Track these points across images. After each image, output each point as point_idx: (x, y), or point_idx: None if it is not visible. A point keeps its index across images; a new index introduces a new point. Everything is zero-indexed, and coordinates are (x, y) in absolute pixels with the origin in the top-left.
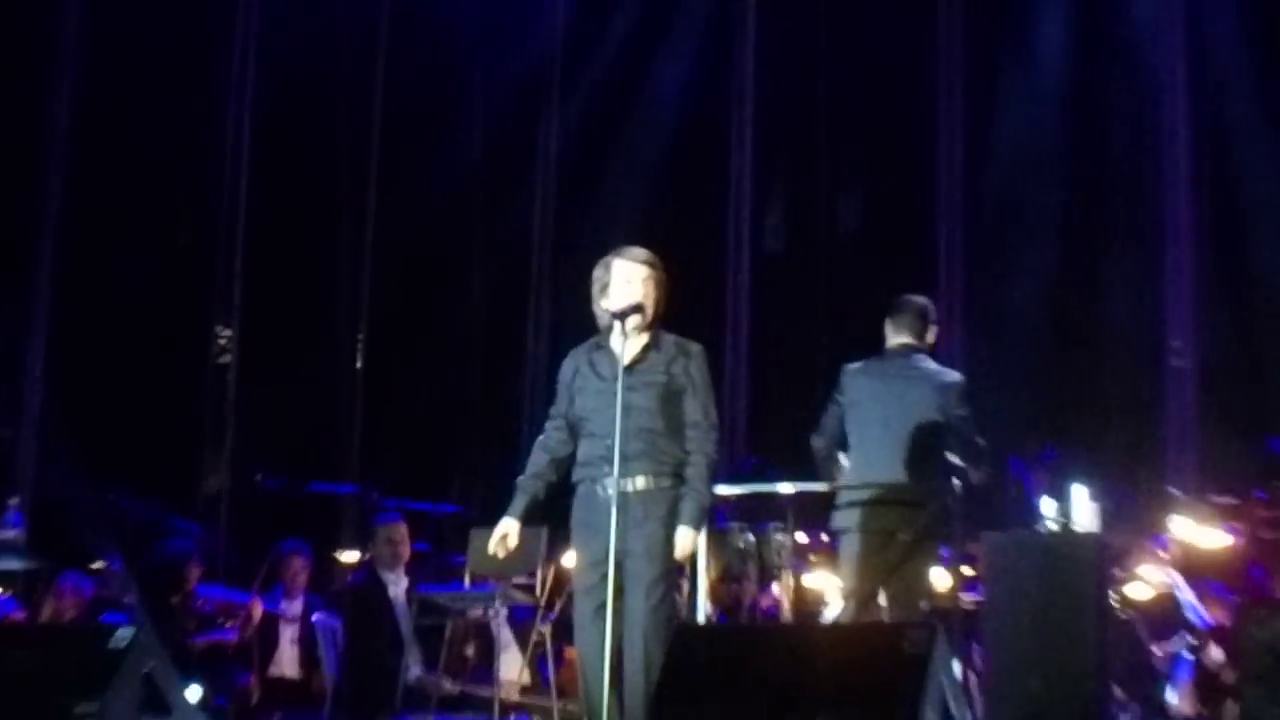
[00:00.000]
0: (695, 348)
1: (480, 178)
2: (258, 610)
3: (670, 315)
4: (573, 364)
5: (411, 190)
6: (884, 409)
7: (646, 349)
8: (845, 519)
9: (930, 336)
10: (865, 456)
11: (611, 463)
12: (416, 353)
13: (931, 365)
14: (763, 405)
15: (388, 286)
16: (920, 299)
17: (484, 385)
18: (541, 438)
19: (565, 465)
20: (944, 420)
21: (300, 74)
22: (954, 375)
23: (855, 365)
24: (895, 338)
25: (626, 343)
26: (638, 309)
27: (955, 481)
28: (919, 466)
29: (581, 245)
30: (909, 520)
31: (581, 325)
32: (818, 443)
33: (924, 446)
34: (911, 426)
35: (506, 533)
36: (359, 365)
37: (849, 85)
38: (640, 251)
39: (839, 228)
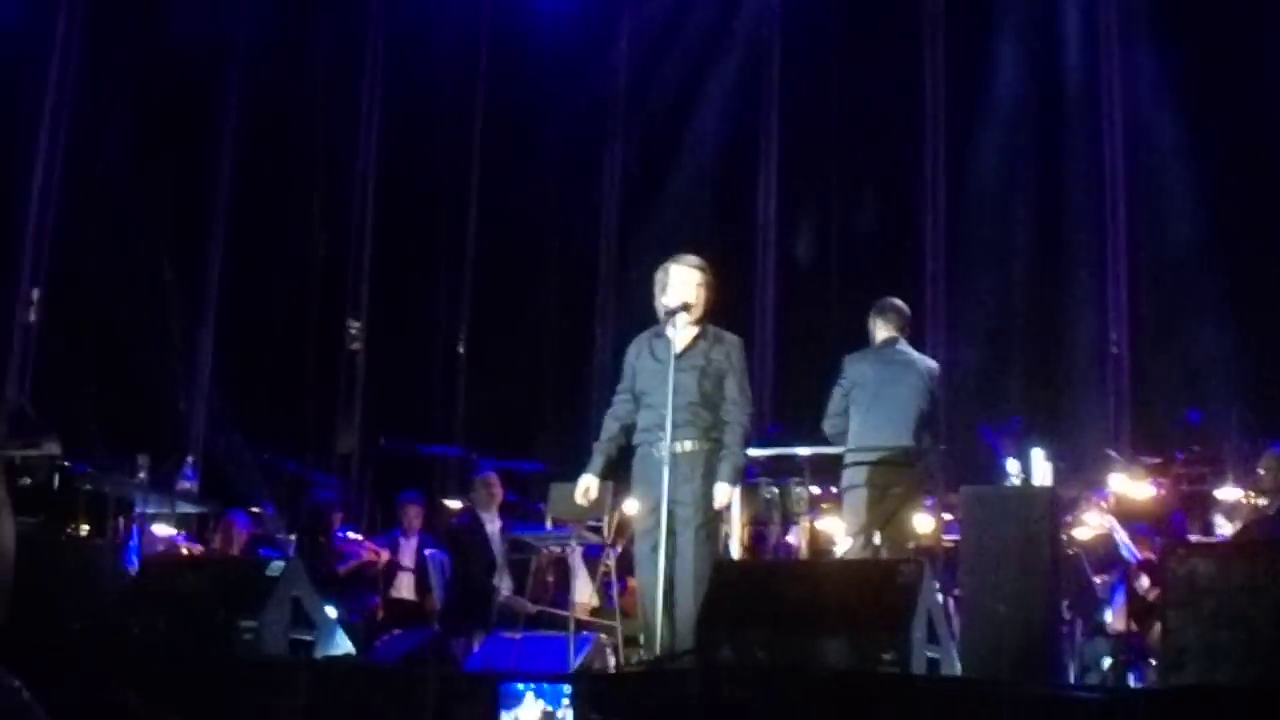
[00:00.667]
0: (734, 338)
1: (557, 194)
2: (384, 553)
3: (716, 311)
4: (636, 348)
5: (503, 206)
6: (880, 388)
7: (695, 339)
8: (850, 476)
9: (909, 330)
10: (865, 426)
11: (665, 429)
12: (507, 340)
13: (914, 352)
14: (786, 384)
15: (484, 287)
16: (897, 301)
17: (561, 366)
18: (612, 408)
19: (629, 431)
20: (927, 395)
21: (416, 114)
22: (932, 361)
23: (855, 355)
24: (883, 331)
25: (679, 333)
26: (687, 306)
27: (935, 446)
28: (908, 433)
29: (642, 252)
30: (901, 477)
31: (641, 318)
32: (827, 425)
33: (912, 417)
34: (902, 401)
35: (588, 486)
36: (461, 350)
37: (855, 125)
38: (693, 258)
39: (848, 239)
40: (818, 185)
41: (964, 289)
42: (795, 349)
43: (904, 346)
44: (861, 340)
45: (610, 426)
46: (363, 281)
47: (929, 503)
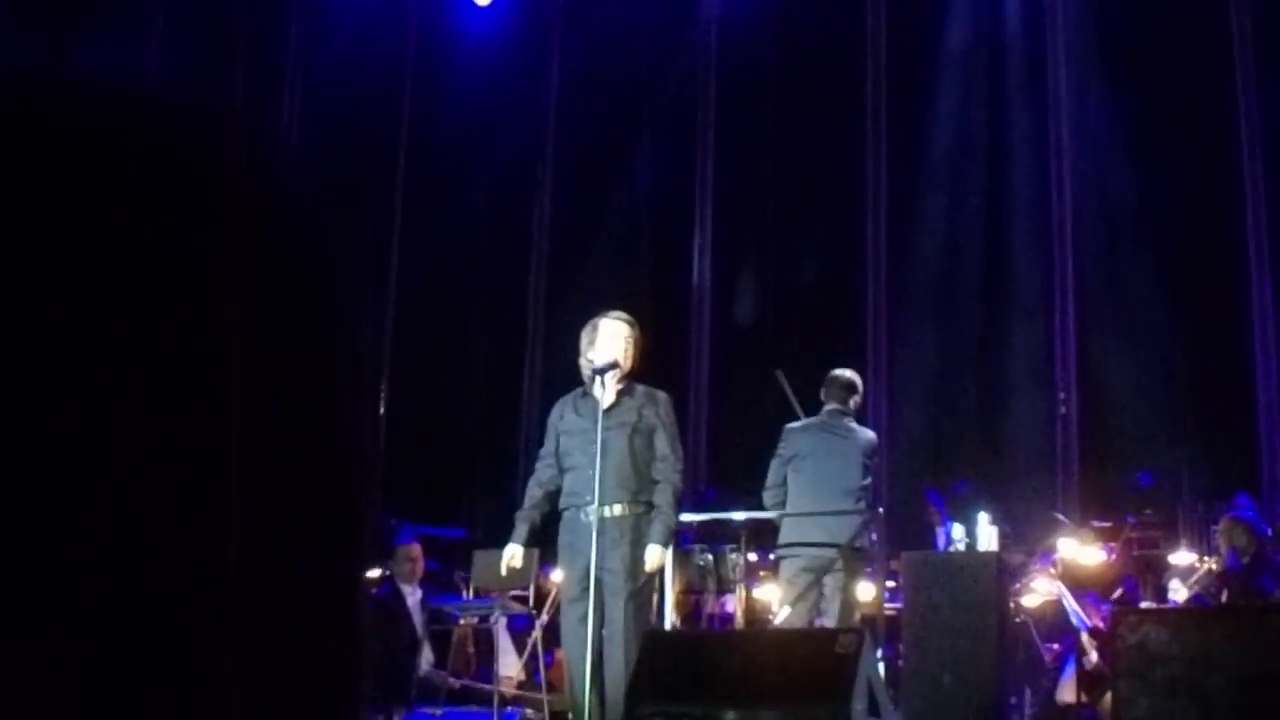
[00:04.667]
0: (662, 395)
1: (483, 245)
2: None
3: (643, 368)
4: (559, 410)
5: (426, 257)
6: (818, 460)
7: (622, 395)
8: (789, 551)
9: (854, 402)
10: (803, 493)
11: (592, 492)
12: (429, 402)
13: (855, 424)
14: (720, 445)
15: (405, 341)
16: (847, 374)
17: (486, 429)
18: (535, 474)
19: (554, 497)
20: (863, 468)
21: (333, 159)
22: (870, 433)
23: (796, 425)
24: (827, 404)
25: (605, 391)
26: (616, 364)
27: (874, 510)
28: (845, 501)
29: (569, 310)
30: (839, 547)
31: (569, 379)
32: (767, 496)
33: (848, 487)
34: (839, 471)
35: (513, 554)
36: (381, 412)
37: (793, 176)
38: (622, 314)
39: (787, 295)
40: (755, 238)
41: (907, 347)
42: (731, 410)
43: (847, 420)
44: (803, 401)
45: (533, 493)
46: None
47: (868, 569)
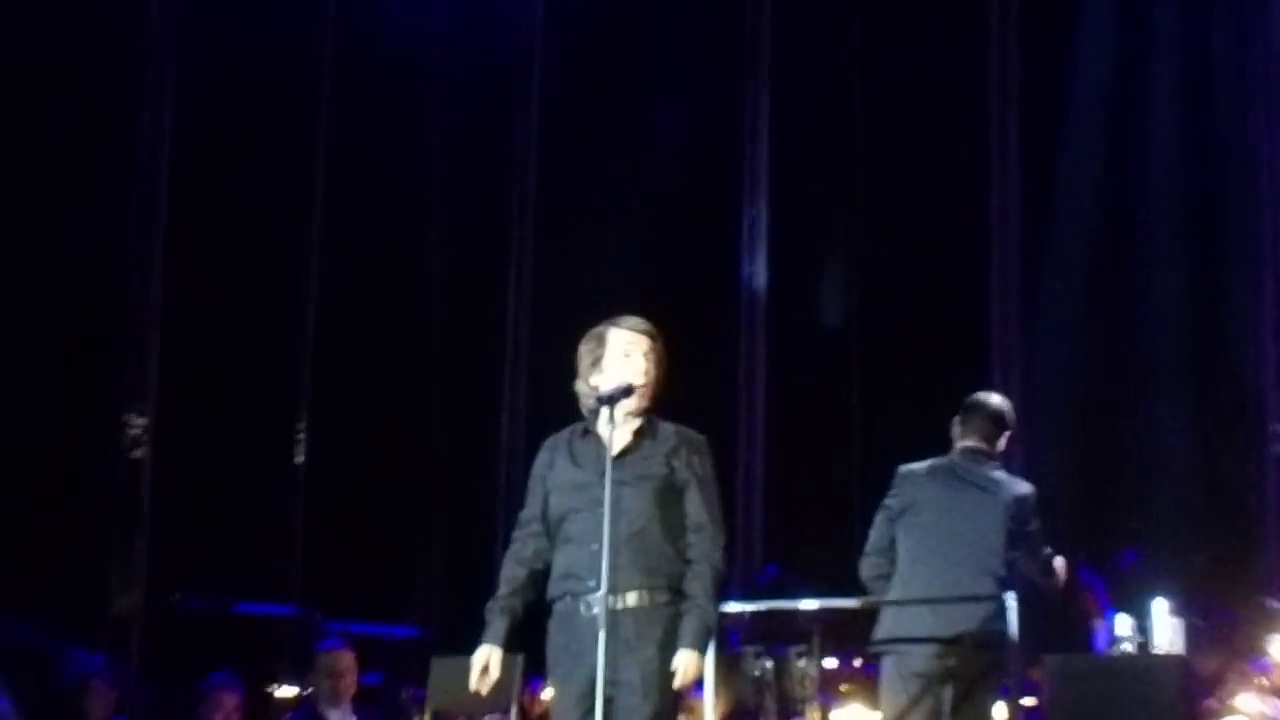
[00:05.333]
0: (696, 437)
1: (438, 232)
2: None
3: (670, 398)
4: (550, 454)
5: (357, 251)
6: (946, 518)
7: (640, 436)
8: (894, 649)
9: (1002, 443)
10: (917, 570)
11: (598, 574)
12: (365, 448)
13: (1001, 474)
14: (782, 505)
15: (331, 367)
16: (997, 400)
17: (449, 483)
18: (514, 547)
19: (543, 578)
20: (1012, 535)
21: (226, 140)
22: (1025, 486)
23: (916, 466)
24: (964, 440)
25: (616, 429)
26: (631, 390)
27: (1016, 604)
28: (979, 581)
29: (562, 315)
30: (965, 647)
31: (562, 413)
32: (865, 565)
33: (985, 560)
34: (975, 540)
35: (487, 662)
36: (299, 460)
37: (885, 119)
38: (640, 321)
39: (874, 299)
40: (832, 211)
41: (1046, 363)
42: (797, 457)
43: (991, 465)
44: (893, 444)
45: (513, 574)
46: (149, 357)
47: (1006, 680)
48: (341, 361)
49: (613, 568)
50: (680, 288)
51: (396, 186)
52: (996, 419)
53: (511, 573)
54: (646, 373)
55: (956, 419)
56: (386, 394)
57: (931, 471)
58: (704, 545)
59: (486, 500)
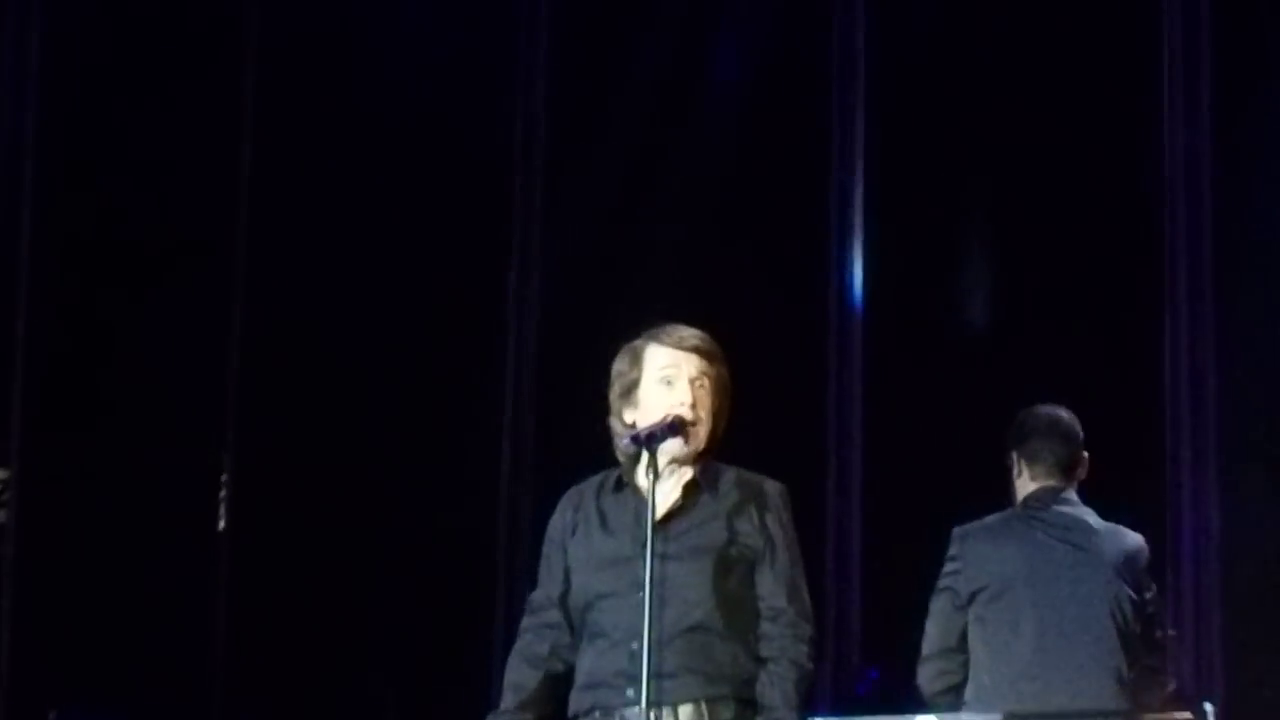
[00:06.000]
0: (773, 488)
1: (412, 226)
2: None
3: (730, 441)
4: (570, 515)
5: (291, 205)
6: (1041, 596)
7: (694, 491)
8: None
9: (1082, 472)
10: (1010, 667)
11: (638, 683)
12: (312, 500)
13: (1096, 519)
14: (888, 583)
15: (267, 397)
16: (1066, 414)
17: (426, 550)
18: (521, 642)
19: (565, 685)
20: (1130, 601)
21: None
22: (1134, 537)
23: (976, 527)
24: (1037, 480)
25: (661, 481)
26: (683, 426)
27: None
28: (1104, 694)
29: (582, 327)
30: None
31: (584, 462)
32: (927, 672)
33: (1107, 662)
34: (1086, 626)
35: None
36: (221, 525)
37: (1023, 41)
38: (690, 333)
39: (1010, 299)
40: (947, 182)
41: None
42: (907, 519)
43: (1081, 508)
44: None
45: (522, 679)
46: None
47: None
48: (278, 384)
49: (657, 674)
50: (746, 287)
51: (348, 132)
52: (1073, 439)
53: (519, 678)
54: (701, 403)
55: (1014, 454)
56: (348, 428)
57: (1005, 529)
58: (784, 638)
59: (480, 575)
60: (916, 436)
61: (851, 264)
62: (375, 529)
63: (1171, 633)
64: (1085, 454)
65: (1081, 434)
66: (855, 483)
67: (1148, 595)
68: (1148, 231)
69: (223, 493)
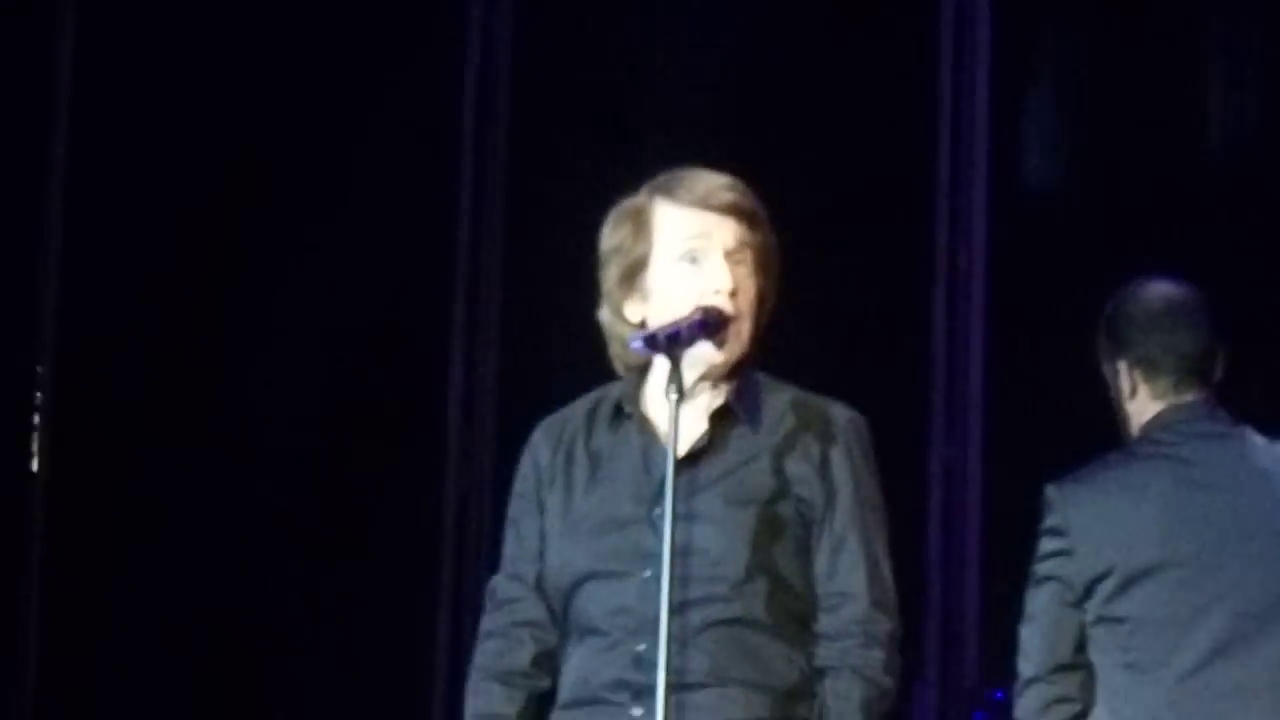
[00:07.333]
0: (843, 415)
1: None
2: None
3: (783, 347)
4: (546, 458)
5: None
6: (1199, 578)
7: (726, 419)
8: None
9: (1220, 370)
10: (1169, 706)
11: (648, 696)
12: (169, 441)
13: (1261, 439)
14: (1017, 570)
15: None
16: (1183, 289)
17: (341, 525)
18: (483, 654)
19: (549, 702)
20: None
21: None
22: None
23: (1083, 480)
24: (1162, 397)
25: (689, 400)
26: (716, 321)
27: None
28: None
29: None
30: None
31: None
32: (1035, 697)
33: None
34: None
35: None
36: (35, 470)
37: None
38: (721, 184)
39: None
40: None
41: None
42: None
43: (1235, 426)
44: None
45: (494, 706)
46: None
47: None
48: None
49: (677, 685)
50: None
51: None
52: (1202, 324)
53: (491, 705)
54: (741, 290)
55: (1119, 362)
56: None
57: (1126, 477)
58: (850, 638)
59: (423, 552)
60: (1047, 380)
61: (977, 140)
62: (263, 476)
63: None
64: (1222, 344)
65: (1212, 315)
66: (975, 425)
67: None
68: None
69: (33, 435)
